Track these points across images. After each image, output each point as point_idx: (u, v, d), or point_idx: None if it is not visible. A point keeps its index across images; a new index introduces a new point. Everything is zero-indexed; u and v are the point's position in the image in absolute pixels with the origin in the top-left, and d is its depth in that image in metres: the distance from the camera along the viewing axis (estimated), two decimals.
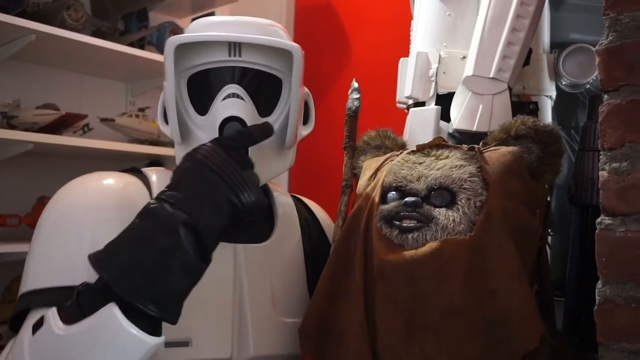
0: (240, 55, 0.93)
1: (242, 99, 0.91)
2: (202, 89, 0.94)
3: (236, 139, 0.83)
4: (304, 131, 1.04)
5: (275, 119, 0.96)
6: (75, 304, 0.73)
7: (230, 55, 0.92)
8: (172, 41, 0.90)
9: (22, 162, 1.91)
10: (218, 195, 0.74)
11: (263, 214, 1.03)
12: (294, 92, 0.95)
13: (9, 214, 1.89)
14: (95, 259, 0.73)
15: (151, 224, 0.73)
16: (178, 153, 0.96)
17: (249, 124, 0.90)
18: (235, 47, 0.92)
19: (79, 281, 0.81)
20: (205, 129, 0.92)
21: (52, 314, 0.74)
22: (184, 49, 0.92)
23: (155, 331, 0.73)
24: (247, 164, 0.80)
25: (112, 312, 0.70)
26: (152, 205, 0.74)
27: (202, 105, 0.94)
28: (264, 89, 0.95)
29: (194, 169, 0.77)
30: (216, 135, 0.88)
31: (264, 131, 0.88)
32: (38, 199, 1.94)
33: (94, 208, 0.88)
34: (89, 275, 0.81)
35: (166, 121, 0.98)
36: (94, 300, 0.72)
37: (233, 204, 0.75)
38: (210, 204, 0.74)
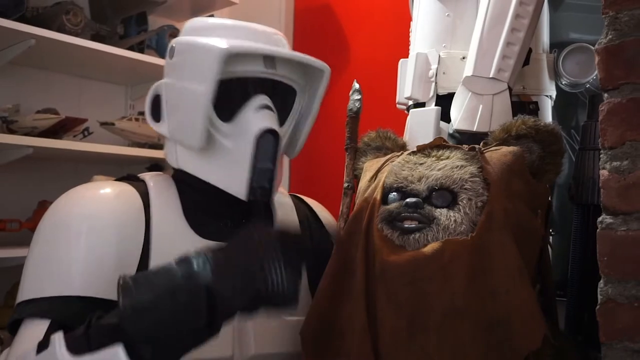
0: (274, 69, 0.94)
1: (273, 110, 0.92)
2: (229, 96, 0.92)
3: (298, 240, 0.77)
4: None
5: (287, 129, 0.98)
6: (85, 335, 0.72)
7: (266, 67, 0.93)
8: (221, 50, 0.87)
9: (22, 166, 1.91)
10: (250, 282, 0.71)
11: (262, 215, 1.03)
12: (315, 108, 0.99)
13: (9, 218, 1.89)
14: (120, 284, 0.71)
15: (180, 272, 0.71)
16: (186, 155, 0.95)
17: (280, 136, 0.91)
18: (271, 60, 0.94)
19: (75, 292, 0.82)
20: (233, 137, 0.91)
21: (58, 339, 0.73)
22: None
23: None
24: (293, 262, 0.73)
25: (117, 354, 0.69)
26: (193, 258, 0.72)
27: (226, 111, 0.92)
28: (281, 99, 0.96)
29: (243, 243, 0.73)
30: (249, 145, 0.88)
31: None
32: (39, 204, 1.94)
33: (90, 218, 0.88)
34: (84, 285, 0.83)
35: (155, 118, 0.97)
36: (104, 335, 0.71)
37: (260, 291, 0.70)
38: (239, 285, 0.71)
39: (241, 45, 0.91)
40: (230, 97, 0.93)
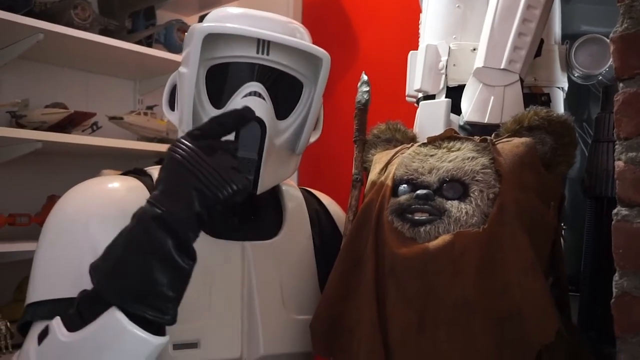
0: (268, 54, 0.90)
1: (263, 98, 0.89)
2: (221, 82, 0.91)
3: (204, 128, 0.78)
4: (313, 137, 1.03)
5: (291, 123, 0.95)
6: (77, 311, 0.73)
7: (258, 53, 0.90)
8: (202, 29, 0.87)
9: (31, 161, 1.91)
10: (184, 186, 0.72)
11: (270, 209, 1.02)
12: (316, 99, 0.95)
13: (19, 213, 1.90)
14: (90, 266, 0.73)
15: (132, 225, 0.73)
16: None
17: (267, 125, 0.87)
18: (264, 44, 0.90)
19: None
20: None
21: (56, 323, 0.74)
22: (210, 38, 0.88)
23: (159, 331, 0.73)
24: (217, 149, 0.75)
25: (114, 316, 0.69)
26: (137, 210, 0.74)
27: (218, 97, 0.91)
28: (283, 90, 0.93)
29: (166, 164, 0.75)
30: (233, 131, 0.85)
31: (239, 118, 0.80)
32: (48, 198, 1.95)
33: (97, 216, 0.86)
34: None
35: (172, 107, 0.97)
36: (94, 306, 0.71)
37: (201, 192, 0.72)
38: (177, 196, 0.72)
39: (221, 25, 0.89)
40: (223, 83, 0.91)
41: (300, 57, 0.93)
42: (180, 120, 0.94)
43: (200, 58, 0.88)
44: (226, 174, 0.73)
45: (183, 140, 0.75)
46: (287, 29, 0.94)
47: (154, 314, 0.70)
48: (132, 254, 0.71)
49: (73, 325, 0.72)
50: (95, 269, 0.73)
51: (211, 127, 0.78)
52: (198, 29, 0.88)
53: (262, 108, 0.88)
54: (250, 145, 0.87)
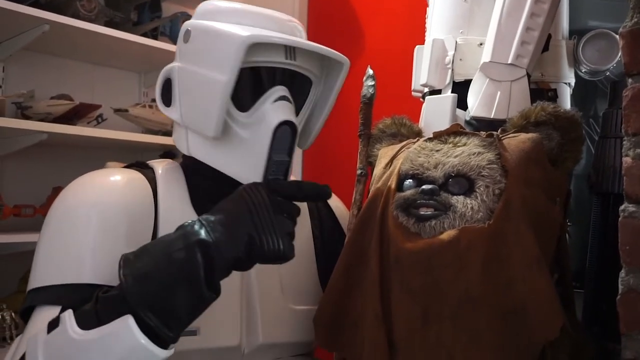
0: (295, 59, 0.92)
1: (290, 102, 0.90)
2: (247, 85, 0.91)
3: (285, 186, 0.83)
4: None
5: (300, 120, 0.96)
6: (94, 309, 0.74)
7: (286, 58, 0.91)
8: (246, 40, 0.85)
9: (36, 152, 1.92)
10: (240, 228, 0.75)
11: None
12: (331, 100, 0.97)
13: (23, 204, 1.90)
14: (121, 260, 0.75)
15: (175, 236, 0.75)
16: (199, 143, 0.94)
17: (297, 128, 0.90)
18: (291, 50, 0.92)
19: (85, 279, 0.83)
20: (249, 127, 0.89)
21: (68, 316, 0.74)
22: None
23: (160, 343, 0.73)
24: (285, 211, 0.79)
25: (127, 324, 0.70)
26: (186, 223, 0.76)
27: (243, 101, 0.91)
28: (296, 90, 0.94)
29: (232, 201, 0.78)
30: (266, 136, 0.86)
31: (318, 194, 0.85)
32: (53, 190, 1.95)
33: (100, 205, 0.88)
34: (95, 273, 0.83)
35: (166, 103, 0.95)
36: (112, 308, 0.72)
37: (252, 241, 0.74)
38: (230, 234, 0.74)
39: (264, 35, 0.89)
40: (248, 86, 0.91)
41: (317, 59, 0.96)
42: (195, 122, 0.92)
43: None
44: (281, 236, 0.76)
45: (260, 188, 0.79)
46: (293, 29, 0.95)
47: (161, 327, 0.71)
48: (166, 266, 0.73)
49: (86, 322, 0.73)
50: (126, 265, 0.74)
51: (291, 189, 0.82)
52: (236, 35, 0.86)
53: (292, 112, 0.89)
54: (283, 149, 0.88)
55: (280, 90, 0.90)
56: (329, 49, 0.94)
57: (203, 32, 0.91)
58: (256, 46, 0.88)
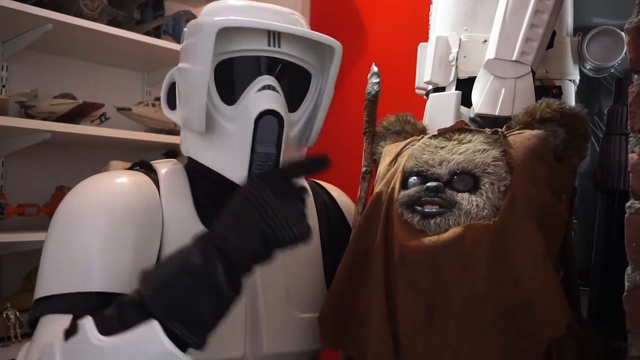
0: (279, 46, 0.88)
1: (277, 91, 0.87)
2: (230, 77, 0.89)
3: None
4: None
5: (301, 115, 0.93)
6: (116, 315, 0.72)
7: (269, 45, 0.88)
8: (214, 24, 0.84)
9: (40, 151, 1.92)
10: (252, 227, 0.74)
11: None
12: (328, 90, 0.93)
13: (27, 203, 1.90)
14: (141, 272, 0.74)
15: (190, 245, 0.74)
16: (194, 142, 0.92)
17: (284, 118, 0.86)
18: (275, 36, 0.88)
19: (94, 287, 0.81)
20: (234, 120, 0.87)
21: (88, 323, 0.73)
22: (220, 33, 0.85)
23: (184, 349, 0.72)
24: (290, 196, 0.77)
25: (152, 329, 0.69)
26: (199, 234, 0.76)
27: (229, 94, 0.88)
28: (292, 82, 0.91)
29: (237, 202, 0.77)
30: (249, 127, 0.84)
31: (319, 163, 0.81)
32: (57, 188, 1.95)
33: (105, 210, 0.85)
34: (103, 280, 0.82)
35: (170, 106, 0.94)
36: (136, 313, 0.71)
37: (265, 234, 0.73)
38: (242, 233, 0.74)
39: (234, 19, 0.86)
40: (233, 78, 0.88)
41: (309, 47, 0.92)
42: (186, 119, 0.91)
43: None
44: (292, 221, 0.74)
45: (259, 181, 0.77)
46: (291, 20, 0.92)
47: (187, 334, 0.70)
48: (185, 274, 0.72)
49: (109, 328, 0.71)
50: (146, 278, 0.73)
51: (292, 171, 0.79)
52: (208, 23, 0.85)
53: (276, 101, 0.86)
54: (268, 140, 0.85)
55: (265, 79, 0.87)
56: (315, 32, 0.90)
57: (191, 29, 0.91)
58: (237, 35, 0.86)
